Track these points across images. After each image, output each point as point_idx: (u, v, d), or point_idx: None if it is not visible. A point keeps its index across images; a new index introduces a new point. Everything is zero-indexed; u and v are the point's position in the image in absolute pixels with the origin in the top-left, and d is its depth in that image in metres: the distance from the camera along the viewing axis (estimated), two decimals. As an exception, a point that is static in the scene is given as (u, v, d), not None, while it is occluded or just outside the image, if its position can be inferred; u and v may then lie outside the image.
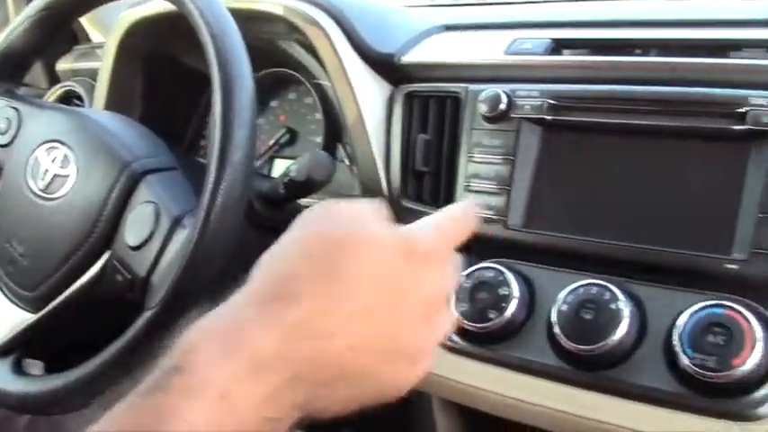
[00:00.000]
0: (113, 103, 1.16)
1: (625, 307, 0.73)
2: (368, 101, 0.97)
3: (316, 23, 0.98)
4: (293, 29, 1.00)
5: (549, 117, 0.82)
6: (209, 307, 0.61)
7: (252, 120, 0.76)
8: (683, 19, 0.88)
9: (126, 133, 0.93)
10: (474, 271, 0.81)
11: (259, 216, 0.93)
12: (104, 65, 1.16)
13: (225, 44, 0.78)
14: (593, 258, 0.78)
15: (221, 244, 0.75)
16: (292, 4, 0.99)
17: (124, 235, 0.83)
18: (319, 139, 1.15)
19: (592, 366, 0.74)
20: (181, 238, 0.79)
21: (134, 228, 0.82)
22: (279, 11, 1.00)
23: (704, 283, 0.73)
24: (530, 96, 0.84)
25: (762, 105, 0.72)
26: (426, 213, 0.88)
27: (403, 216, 0.93)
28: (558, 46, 0.89)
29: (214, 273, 0.75)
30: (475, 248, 0.84)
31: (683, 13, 0.90)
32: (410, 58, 0.97)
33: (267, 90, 1.22)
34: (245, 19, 0.93)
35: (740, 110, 0.73)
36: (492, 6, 1.13)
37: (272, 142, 1.20)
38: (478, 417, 0.86)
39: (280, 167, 1.20)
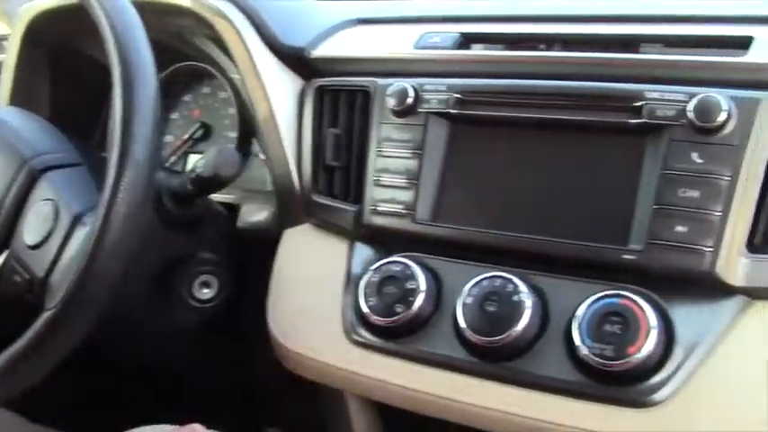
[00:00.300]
0: (18, 98, 1.12)
1: (527, 298, 0.74)
2: (279, 95, 0.96)
3: (224, 16, 0.97)
4: (201, 22, 0.98)
5: (455, 111, 0.83)
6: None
7: (155, 115, 0.75)
8: (587, 14, 0.90)
9: (27, 128, 0.90)
10: (381, 265, 0.81)
11: (168, 212, 0.91)
12: (8, 58, 1.12)
13: (126, 37, 0.76)
14: (498, 251, 0.79)
15: (124, 242, 0.73)
16: (200, -4, 0.98)
17: (23, 234, 0.81)
18: (234, 134, 1.14)
19: (496, 358, 0.75)
20: (81, 236, 0.77)
21: (32, 226, 0.80)
22: (186, 3, 0.98)
23: (604, 273, 0.75)
24: (437, 90, 0.84)
25: (657, 99, 0.74)
26: (338, 208, 0.91)
27: (314, 211, 0.93)
28: (467, 40, 0.90)
29: (117, 271, 0.74)
30: (383, 243, 0.85)
31: (588, 9, 0.91)
32: (321, 52, 0.96)
33: (180, 84, 1.20)
34: (152, 12, 0.91)
35: (636, 104, 0.75)
36: (406, 0, 1.13)
37: (186, 137, 1.18)
38: (395, 412, 0.86)
39: (193, 163, 1.18)
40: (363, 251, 0.87)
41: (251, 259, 0.99)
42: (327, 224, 0.92)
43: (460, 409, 0.78)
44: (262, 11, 0.98)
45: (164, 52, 1.06)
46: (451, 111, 0.83)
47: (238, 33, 0.96)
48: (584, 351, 0.70)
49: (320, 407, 1.00)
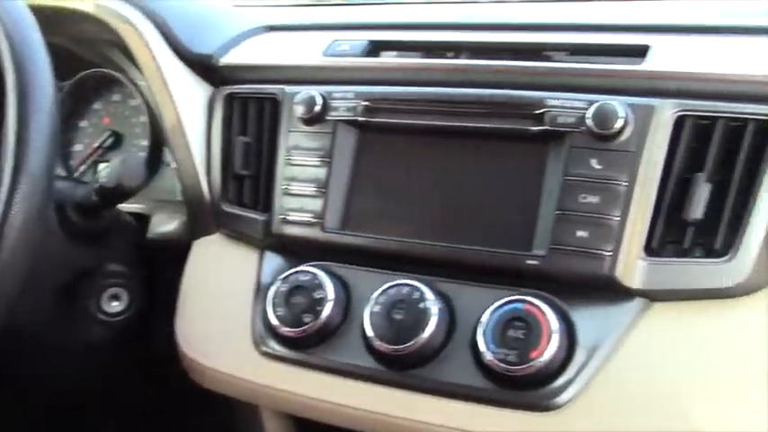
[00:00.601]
0: None
1: (433, 306, 0.74)
2: (187, 103, 0.95)
3: (129, 22, 0.95)
4: (106, 28, 0.96)
5: (362, 119, 0.83)
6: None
7: (52, 123, 0.72)
8: (495, 23, 0.91)
9: None
10: (290, 275, 0.81)
11: (73, 224, 0.89)
12: None
13: (21, 43, 0.73)
14: (406, 259, 0.79)
15: (19, 258, 0.70)
16: (104, 1, 0.95)
17: None
18: (145, 143, 1.11)
19: (404, 366, 0.75)
20: (-25, 251, 0.74)
21: None
22: (89, 8, 0.96)
23: (509, 279, 0.76)
24: (344, 98, 0.84)
25: (557, 107, 0.75)
26: (247, 218, 0.90)
27: (224, 221, 0.91)
28: (376, 48, 0.90)
29: (13, 289, 0.71)
30: (293, 252, 0.84)
31: (495, 18, 0.92)
32: (229, 59, 0.95)
33: (90, 92, 1.17)
34: (56, 17, 0.89)
35: (538, 111, 0.76)
36: (317, 8, 1.12)
37: (95, 146, 1.15)
38: (311, 425, 0.86)
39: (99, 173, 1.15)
40: (273, 261, 0.86)
41: (163, 270, 0.97)
42: (237, 234, 0.91)
43: (370, 418, 0.78)
44: (168, 17, 0.96)
45: (72, 59, 1.04)
46: (359, 118, 0.83)
47: (144, 40, 0.94)
48: (488, 357, 0.71)
49: (235, 422, 0.98)
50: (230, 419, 0.99)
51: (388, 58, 0.89)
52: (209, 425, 1.12)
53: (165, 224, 1.02)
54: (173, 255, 0.96)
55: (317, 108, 0.84)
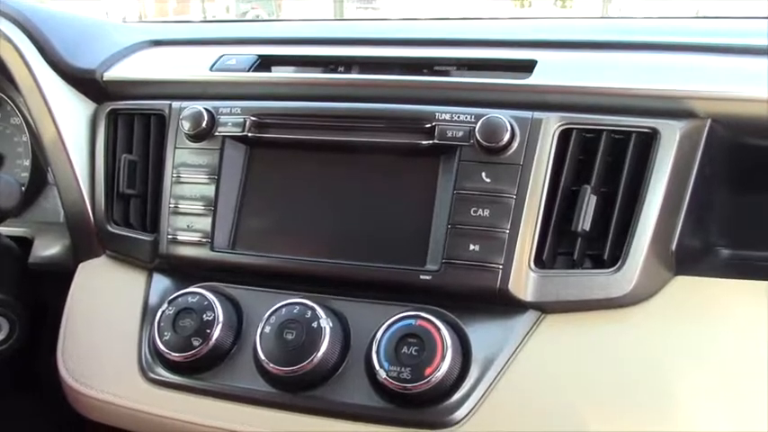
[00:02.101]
0: None
1: (326, 324, 0.73)
2: (68, 120, 0.91)
3: (5, 37, 0.90)
4: (-21, 43, 0.91)
5: (251, 134, 0.81)
6: None
7: None
8: (386, 38, 0.91)
9: None
10: (177, 297, 0.77)
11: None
12: None
13: None
14: (298, 277, 0.78)
15: None
16: (-24, 16, 0.90)
17: None
18: (28, 163, 1.06)
19: (298, 388, 0.73)
20: None
21: None
22: (-40, 23, 0.90)
23: (403, 295, 0.75)
24: (232, 113, 0.82)
25: (447, 121, 0.75)
26: (134, 239, 0.86)
27: (110, 243, 0.87)
28: (265, 62, 0.88)
29: None
30: (183, 273, 0.81)
31: (385, 32, 0.92)
32: (113, 74, 0.91)
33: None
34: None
35: (428, 125, 0.76)
36: (205, 23, 1.10)
37: (-26, 167, 1.09)
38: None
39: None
40: (162, 283, 0.83)
41: (49, 298, 0.92)
42: (124, 256, 0.87)
43: (265, 443, 0.75)
44: (47, 31, 0.92)
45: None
46: (248, 134, 0.81)
47: (20, 55, 0.90)
48: (383, 375, 0.70)
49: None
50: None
51: (277, 73, 0.87)
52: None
53: (49, 248, 0.97)
54: (58, 280, 0.91)
55: (205, 124, 0.81)
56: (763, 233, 0.80)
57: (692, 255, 0.77)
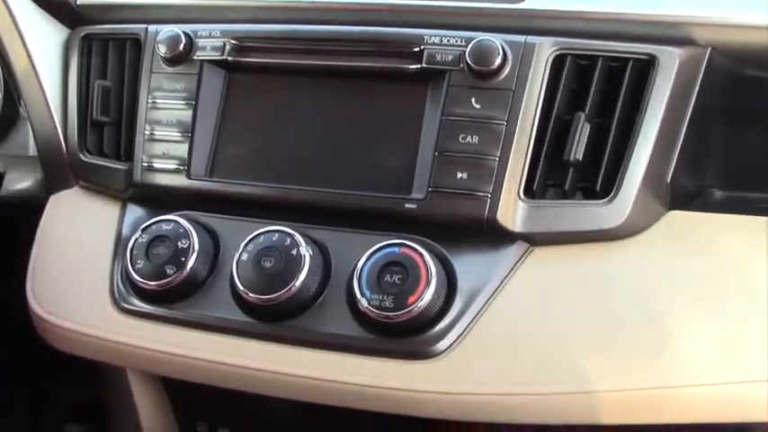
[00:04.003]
0: None
1: (306, 252, 0.70)
2: (40, 46, 0.87)
3: (-28, -43, 0.86)
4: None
5: (230, 59, 0.77)
6: None
7: None
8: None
9: None
10: (151, 224, 0.74)
11: None
12: None
13: None
14: (277, 205, 0.75)
15: None
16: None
17: None
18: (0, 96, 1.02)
19: (276, 317, 0.71)
20: None
21: None
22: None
23: (387, 224, 0.72)
24: (211, 37, 0.78)
25: (436, 44, 0.72)
26: (108, 168, 0.83)
27: (83, 173, 0.84)
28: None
29: None
30: (158, 202, 0.78)
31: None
32: (87, -3, 0.88)
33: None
34: None
35: (416, 49, 0.72)
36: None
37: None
38: (181, 385, 0.80)
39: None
40: (136, 212, 0.80)
41: (22, 233, 0.89)
42: (97, 186, 0.84)
43: (241, 374, 0.73)
44: (18, -47, 0.87)
45: None
46: (227, 58, 0.77)
47: (-11, -23, 0.85)
48: (364, 304, 0.67)
49: (102, 387, 0.92)
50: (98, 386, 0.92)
51: (259, -5, 0.83)
52: (77, 393, 1.05)
53: (21, 181, 0.94)
54: (31, 214, 0.88)
55: (182, 47, 0.78)
56: (758, 175, 0.78)
57: (686, 194, 0.74)
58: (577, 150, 0.70)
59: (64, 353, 0.83)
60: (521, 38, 0.71)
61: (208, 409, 0.81)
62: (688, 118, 0.72)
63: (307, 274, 0.69)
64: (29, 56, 0.86)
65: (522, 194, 0.70)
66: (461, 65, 0.71)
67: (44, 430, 1.14)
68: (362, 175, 0.73)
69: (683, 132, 0.72)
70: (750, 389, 0.66)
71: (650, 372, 0.66)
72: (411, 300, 0.67)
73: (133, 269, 0.73)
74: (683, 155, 0.72)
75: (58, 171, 0.87)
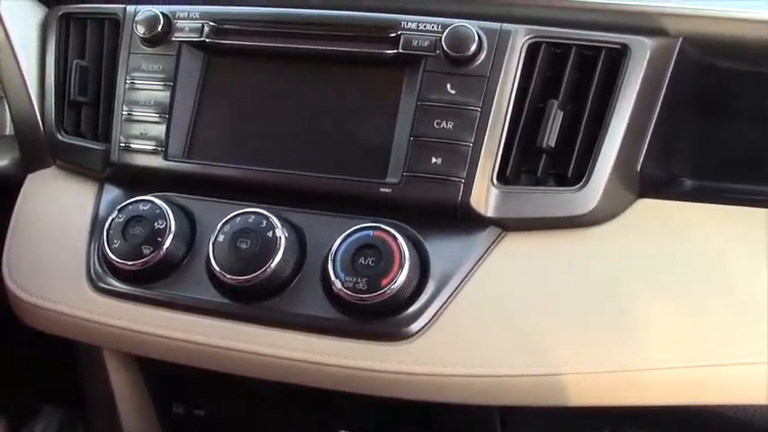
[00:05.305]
0: None
1: (282, 234, 0.70)
2: (17, 24, 0.87)
3: (-54, -67, 0.85)
4: None
5: (208, 40, 0.77)
6: None
7: None
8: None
9: None
10: (128, 205, 0.75)
11: None
12: None
13: None
14: (253, 188, 0.75)
15: None
16: None
17: None
18: (-24, 73, 1.01)
19: (251, 298, 0.72)
20: None
21: None
22: None
23: (362, 208, 0.73)
24: (190, 18, 0.78)
25: (412, 30, 0.73)
26: (85, 148, 0.83)
27: (60, 153, 0.84)
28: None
29: None
30: (135, 183, 0.78)
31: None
32: (64, -25, 0.87)
33: None
34: None
35: (393, 34, 0.73)
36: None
37: None
38: (157, 366, 0.80)
39: None
40: (112, 193, 0.81)
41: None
42: (74, 166, 0.84)
43: (216, 354, 0.73)
44: (-5, -72, 0.87)
45: None
46: (206, 40, 0.77)
47: (-35, -47, 0.85)
48: (338, 285, 0.68)
49: (78, 367, 0.92)
50: (74, 369, 0.92)
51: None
52: (53, 378, 1.05)
53: (-4, 161, 0.93)
54: (6, 194, 0.88)
55: (160, 28, 0.78)
56: (726, 164, 0.79)
57: (656, 182, 0.76)
58: (550, 137, 0.71)
59: (40, 336, 0.83)
60: (496, 25, 0.72)
61: (183, 391, 0.82)
62: (659, 107, 0.73)
63: (282, 256, 0.70)
64: (6, 35, 0.86)
65: (495, 180, 0.71)
66: (437, 51, 0.72)
67: (20, 414, 1.14)
68: (338, 158, 0.74)
69: (654, 121, 0.73)
70: (721, 371, 0.67)
71: (620, 354, 0.68)
72: (384, 282, 0.68)
73: (110, 249, 0.74)
74: (653, 143, 0.73)
75: (35, 150, 0.86)
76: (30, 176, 0.87)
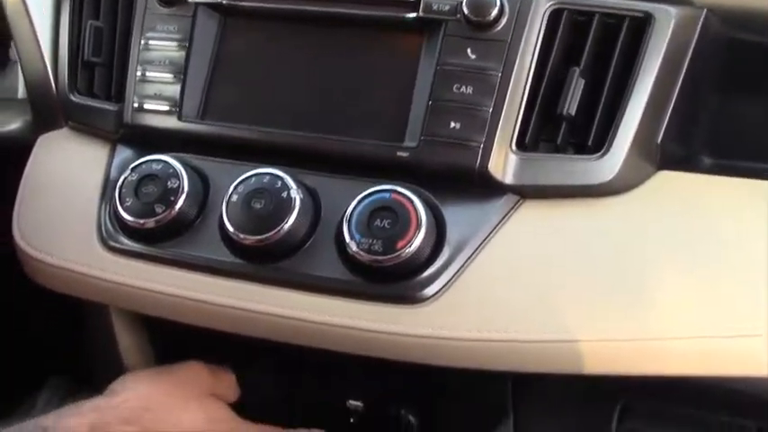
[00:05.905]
0: None
1: (297, 195, 0.70)
2: (32, -14, 0.86)
3: None
4: None
5: (226, 2, 0.76)
6: None
7: None
8: None
9: None
10: (141, 164, 0.74)
11: None
12: None
13: None
14: (269, 149, 0.74)
15: None
16: None
17: None
18: (-10, 37, 1.01)
19: (264, 259, 0.71)
20: None
21: None
22: None
23: (379, 172, 0.72)
24: (206, -22, 0.77)
25: (433, -7, 0.72)
26: (98, 108, 0.82)
27: (73, 113, 0.84)
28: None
29: None
30: (147, 144, 0.78)
31: None
32: (80, -64, 0.86)
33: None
34: None
35: (413, -2, 0.72)
36: None
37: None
38: (163, 327, 0.80)
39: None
40: (125, 153, 0.80)
41: (9, 173, 0.89)
42: (87, 127, 0.83)
43: (228, 314, 0.73)
44: None
45: None
46: (222, 2, 0.77)
47: None
48: (353, 247, 0.67)
49: (85, 327, 0.92)
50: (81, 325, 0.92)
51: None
52: (60, 332, 1.05)
53: (7, 124, 0.93)
54: (18, 156, 0.87)
55: (177, -12, 0.77)
56: (747, 143, 0.78)
57: (675, 157, 0.74)
58: (571, 105, 0.70)
59: (48, 300, 0.82)
60: (519, -10, 0.71)
61: (191, 353, 0.81)
62: (681, 79, 0.72)
63: (296, 217, 0.69)
64: (21, -5, 0.85)
65: (514, 147, 0.70)
66: (458, 15, 0.71)
67: (26, 384, 1.14)
68: (355, 121, 0.73)
69: (676, 93, 0.72)
70: (739, 343, 0.66)
71: (635, 323, 0.67)
72: (400, 245, 0.67)
73: (122, 207, 0.73)
74: (674, 117, 0.72)
75: (48, 111, 0.86)
76: (41, 137, 0.86)
